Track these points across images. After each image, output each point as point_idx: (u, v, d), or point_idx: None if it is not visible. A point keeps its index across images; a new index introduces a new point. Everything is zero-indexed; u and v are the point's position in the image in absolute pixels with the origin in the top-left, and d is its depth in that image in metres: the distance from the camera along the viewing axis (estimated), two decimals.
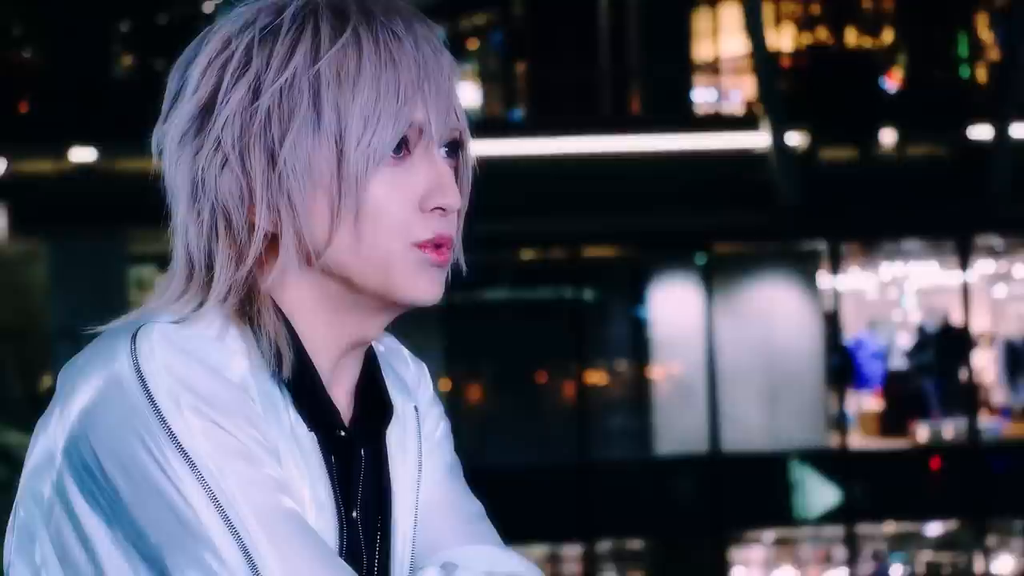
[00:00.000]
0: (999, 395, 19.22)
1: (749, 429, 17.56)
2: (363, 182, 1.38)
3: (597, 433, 17.46)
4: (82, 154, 16.72)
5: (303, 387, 1.41)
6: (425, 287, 1.41)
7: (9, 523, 1.44)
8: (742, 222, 17.48)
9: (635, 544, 17.50)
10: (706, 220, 17.28)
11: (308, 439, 1.41)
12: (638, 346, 18.03)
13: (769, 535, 17.93)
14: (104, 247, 17.03)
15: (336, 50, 1.39)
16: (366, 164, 1.38)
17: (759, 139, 17.21)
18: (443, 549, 1.50)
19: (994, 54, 18.46)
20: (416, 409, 1.54)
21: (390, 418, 1.48)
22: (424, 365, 1.58)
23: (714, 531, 17.18)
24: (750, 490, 17.35)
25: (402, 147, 1.40)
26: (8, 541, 1.44)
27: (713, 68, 18.80)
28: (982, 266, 19.85)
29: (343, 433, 1.43)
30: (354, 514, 1.44)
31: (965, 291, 18.67)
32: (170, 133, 1.43)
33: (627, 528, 16.91)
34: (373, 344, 1.50)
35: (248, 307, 1.40)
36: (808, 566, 17.81)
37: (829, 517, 17.59)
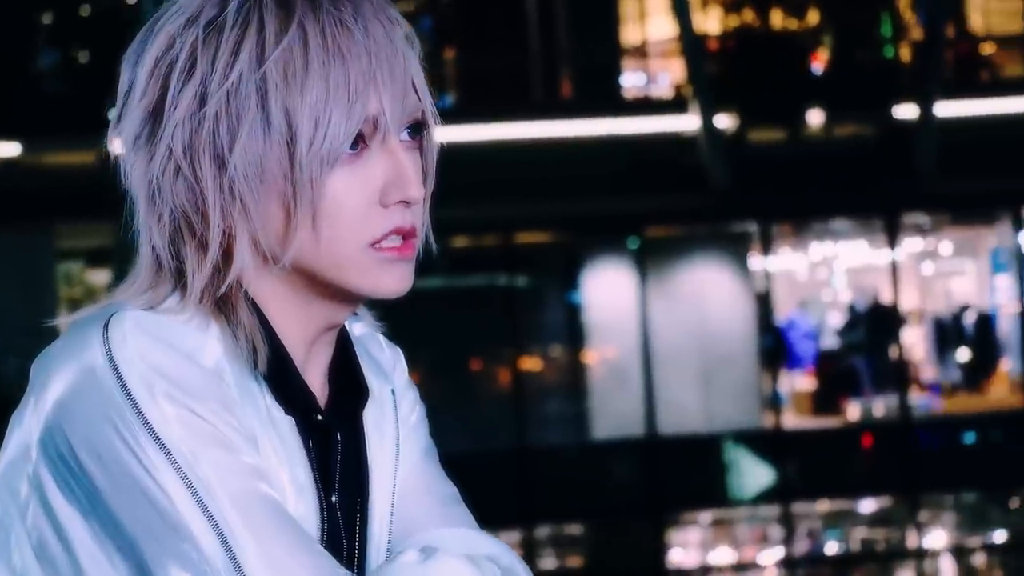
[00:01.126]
0: (929, 372, 19.44)
1: (685, 411, 17.66)
2: (318, 184, 1.36)
3: (534, 419, 17.49)
4: (6, 148, 16.51)
5: (278, 374, 1.40)
6: (389, 282, 1.40)
7: None
8: (673, 205, 17.55)
9: (574, 529, 17.55)
10: (638, 204, 17.33)
11: (286, 423, 1.40)
12: (573, 331, 18.07)
13: (706, 516, 18.04)
14: (31, 242, 16.83)
15: (282, 49, 1.35)
16: (320, 166, 1.36)
17: (688, 122, 17.28)
18: (419, 532, 1.49)
19: (917, 33, 18.63)
20: (393, 392, 1.53)
21: (366, 401, 1.47)
22: (399, 349, 1.57)
23: (652, 513, 17.26)
24: (687, 472, 17.45)
25: (358, 142, 1.38)
26: None
27: (641, 52, 18.85)
28: (909, 244, 20.05)
29: (319, 417, 1.42)
30: (333, 498, 1.43)
31: (894, 269, 18.85)
32: (123, 137, 1.42)
33: (565, 513, 16.95)
34: (348, 328, 1.49)
35: (222, 303, 1.39)
36: (745, 546, 17.95)
37: (764, 497, 17.73)
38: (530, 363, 18.01)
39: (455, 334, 17.36)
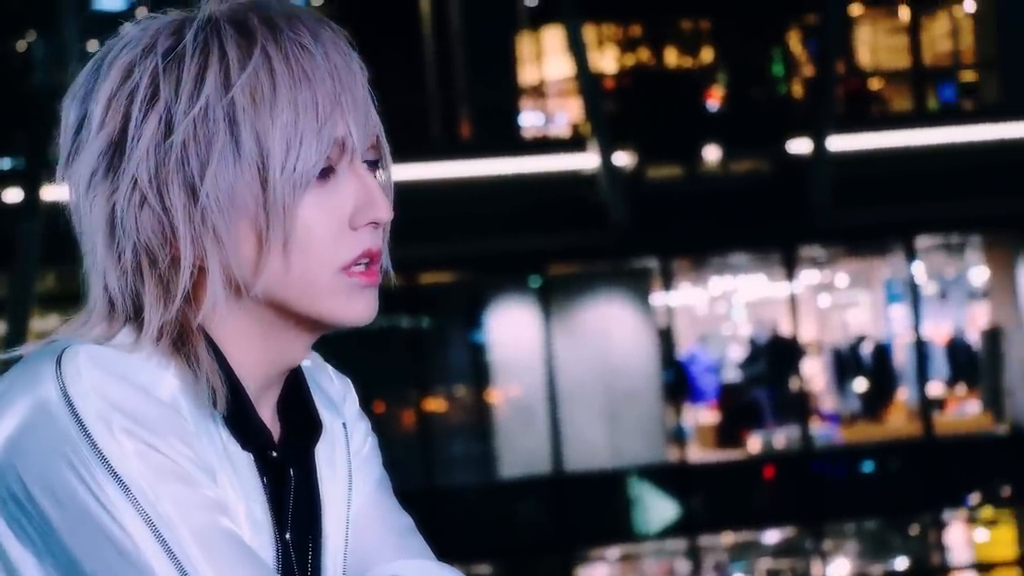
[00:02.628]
0: (828, 402, 19.67)
1: (591, 447, 17.70)
2: (290, 208, 1.34)
3: (440, 459, 17.43)
4: None
5: (235, 412, 1.38)
6: (358, 310, 1.39)
7: None
8: (574, 243, 17.64)
9: (482, 568, 17.50)
10: (539, 242, 17.39)
11: (243, 459, 1.38)
12: (477, 370, 18.06)
13: (614, 551, 18.08)
14: None
15: (248, 74, 1.34)
16: (292, 190, 1.34)
17: (587, 160, 17.39)
18: (376, 564, 1.48)
19: (808, 70, 18.92)
20: (344, 425, 1.51)
21: (319, 436, 1.46)
22: (349, 380, 1.56)
23: (559, 550, 17.27)
24: (594, 508, 17.48)
25: (327, 166, 1.37)
26: None
27: (539, 91, 18.96)
28: (806, 277, 20.31)
29: (274, 454, 1.41)
30: (287, 535, 1.41)
31: (792, 302, 19.08)
32: (79, 172, 1.37)
33: (474, 552, 16.90)
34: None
35: (180, 343, 1.36)
36: None
37: (671, 530, 17.81)
38: (435, 403, 17.97)
39: (359, 376, 17.18)
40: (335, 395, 1.53)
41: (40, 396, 1.30)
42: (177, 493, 1.30)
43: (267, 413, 1.42)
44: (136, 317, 1.36)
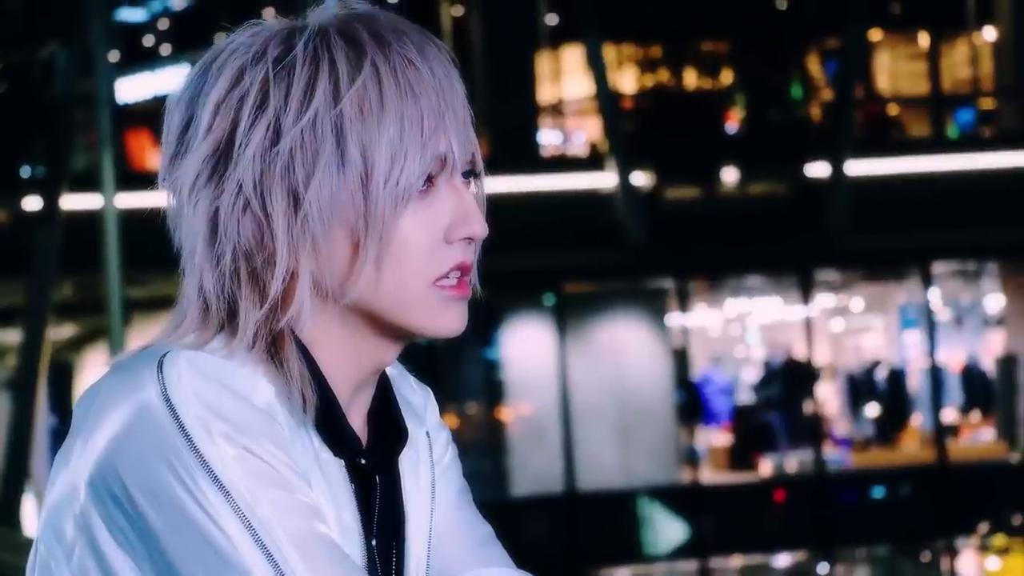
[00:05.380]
0: (841, 427, 19.63)
1: (603, 467, 17.69)
2: (390, 221, 1.36)
3: None
4: None
5: (327, 419, 1.39)
6: (448, 322, 1.40)
7: (29, 561, 1.40)
8: (590, 262, 17.65)
9: None
10: (555, 260, 17.41)
11: (335, 465, 1.40)
12: (491, 388, 18.07)
13: (624, 572, 18.06)
14: None
15: (357, 87, 1.35)
16: (395, 202, 1.36)
17: (605, 179, 17.41)
18: (458, 573, 1.49)
19: (827, 94, 18.94)
20: (427, 434, 1.53)
21: (405, 444, 1.47)
22: (429, 389, 1.57)
23: (569, 569, 17.24)
24: (604, 528, 17.46)
25: (427, 179, 1.38)
26: None
27: (557, 110, 19.00)
28: (822, 300, 20.29)
29: (363, 461, 1.42)
30: (372, 542, 1.42)
31: (807, 325, 19.06)
32: (184, 175, 1.38)
33: None
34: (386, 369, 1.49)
35: (273, 348, 1.37)
36: None
37: (681, 552, 17.78)
38: (448, 420, 17.92)
39: None
40: (417, 404, 1.54)
41: (142, 401, 1.32)
42: (275, 498, 1.31)
43: (357, 420, 1.44)
44: (230, 321, 1.37)
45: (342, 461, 1.41)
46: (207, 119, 1.37)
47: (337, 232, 1.37)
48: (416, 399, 1.54)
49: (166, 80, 18.94)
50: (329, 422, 1.40)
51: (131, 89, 19.17)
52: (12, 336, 16.74)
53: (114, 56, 16.66)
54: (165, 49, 20.57)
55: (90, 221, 14.08)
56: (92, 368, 18.83)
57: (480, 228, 1.40)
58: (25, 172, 16.75)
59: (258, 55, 1.37)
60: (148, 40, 20.72)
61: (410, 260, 1.38)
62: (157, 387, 1.32)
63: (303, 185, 1.35)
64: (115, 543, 1.33)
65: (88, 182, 14.77)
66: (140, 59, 19.63)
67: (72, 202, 15.19)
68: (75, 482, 1.35)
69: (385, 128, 1.36)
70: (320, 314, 1.39)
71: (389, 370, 1.50)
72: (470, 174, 1.43)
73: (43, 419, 17.28)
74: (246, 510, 1.31)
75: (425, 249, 1.38)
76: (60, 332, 18.01)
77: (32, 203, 15.60)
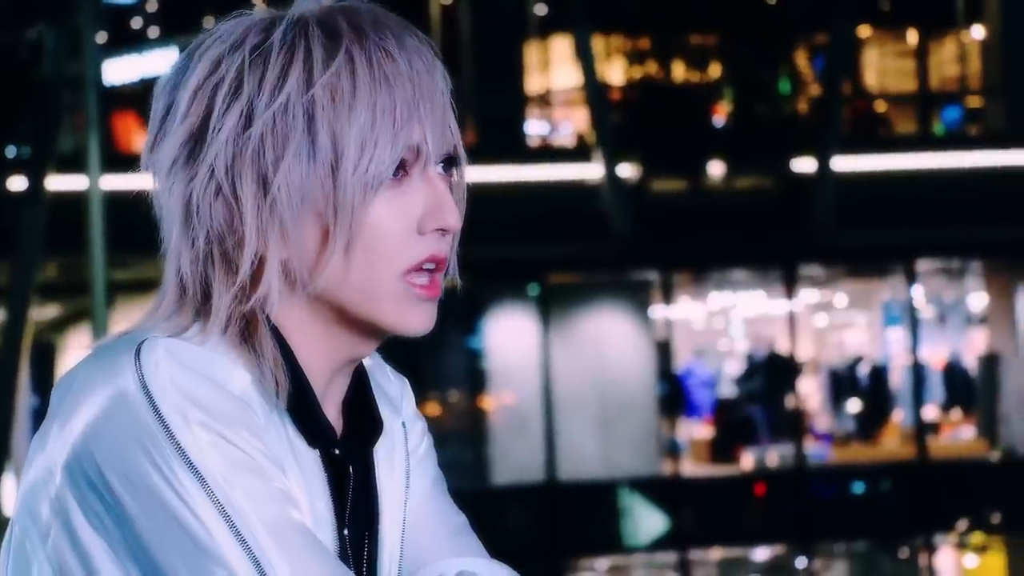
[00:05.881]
0: (823, 421, 19.68)
1: (584, 458, 17.71)
2: (359, 208, 1.37)
3: None
4: None
5: (301, 407, 1.40)
6: (416, 320, 1.40)
7: (4, 542, 1.41)
8: (575, 253, 17.66)
9: None
10: (539, 250, 17.41)
11: (309, 455, 1.41)
12: (473, 377, 18.08)
13: (603, 563, 18.09)
14: None
15: (330, 74, 1.36)
16: (363, 190, 1.36)
17: (591, 170, 17.42)
18: (431, 561, 1.50)
19: (815, 90, 18.96)
20: (403, 424, 1.53)
21: (380, 434, 1.48)
22: (405, 380, 1.58)
23: (549, 559, 17.27)
24: (585, 518, 17.49)
25: (399, 169, 1.38)
26: (3, 560, 1.41)
27: (544, 100, 18.99)
28: (806, 295, 20.33)
29: (337, 451, 1.43)
30: (345, 531, 1.43)
31: (790, 320, 19.10)
32: (161, 159, 1.40)
33: None
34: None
35: (246, 332, 1.38)
36: None
37: (661, 543, 17.81)
38: (430, 408, 17.98)
39: None
40: (393, 394, 1.54)
41: (119, 387, 1.33)
42: (249, 484, 1.32)
43: (332, 410, 1.44)
44: (204, 303, 1.38)
45: (316, 451, 1.41)
46: (184, 104, 1.39)
47: (307, 219, 1.37)
48: (392, 389, 1.55)
49: (153, 62, 18.88)
50: (303, 409, 1.40)
51: (118, 71, 19.12)
52: None
53: (102, 38, 16.62)
54: (153, 31, 20.51)
55: (75, 202, 14.06)
56: (75, 349, 18.81)
57: (454, 220, 1.40)
58: (11, 152, 16.71)
59: (237, 43, 1.39)
60: (136, 22, 20.65)
61: (381, 248, 1.38)
62: (135, 374, 1.33)
63: (272, 169, 1.36)
64: (90, 527, 1.34)
65: (74, 163, 14.76)
66: (128, 41, 19.56)
67: (58, 183, 15.17)
68: (51, 466, 1.35)
69: (356, 116, 1.36)
70: (291, 301, 1.40)
71: (365, 360, 1.51)
72: (451, 165, 1.43)
73: (25, 399, 17.26)
74: (221, 497, 1.31)
75: (397, 238, 1.38)
76: (43, 312, 17.97)
77: (17, 183, 15.57)
